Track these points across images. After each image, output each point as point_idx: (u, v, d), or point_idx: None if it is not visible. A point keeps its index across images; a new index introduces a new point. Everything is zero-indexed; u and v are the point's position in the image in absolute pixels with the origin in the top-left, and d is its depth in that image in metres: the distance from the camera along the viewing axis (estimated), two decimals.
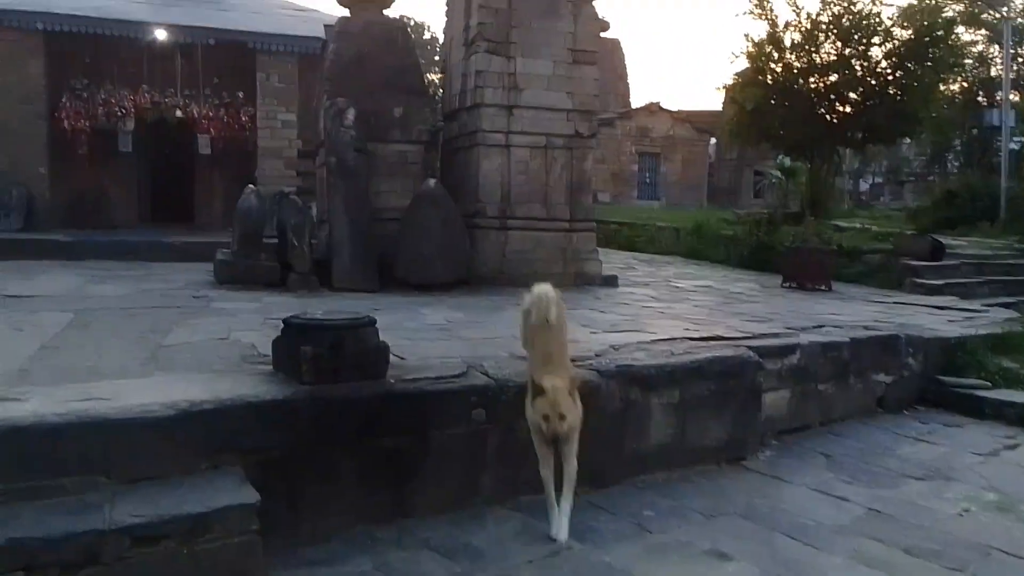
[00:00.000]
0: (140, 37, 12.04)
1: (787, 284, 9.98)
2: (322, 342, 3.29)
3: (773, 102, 16.13)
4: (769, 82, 16.27)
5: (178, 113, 12.56)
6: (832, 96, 16.07)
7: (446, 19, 9.88)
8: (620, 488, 3.80)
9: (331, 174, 8.18)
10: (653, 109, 32.57)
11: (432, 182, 8.14)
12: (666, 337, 4.90)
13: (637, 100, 34.86)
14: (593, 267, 8.96)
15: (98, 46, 12.20)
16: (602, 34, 32.78)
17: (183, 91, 12.64)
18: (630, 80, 35.95)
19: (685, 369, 4.21)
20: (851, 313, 7.23)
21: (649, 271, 11.33)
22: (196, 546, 2.57)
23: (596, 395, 3.74)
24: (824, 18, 15.82)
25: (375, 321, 3.54)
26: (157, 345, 4.34)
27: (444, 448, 3.38)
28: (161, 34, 12.02)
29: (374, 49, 8.65)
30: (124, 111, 12.23)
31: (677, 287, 9.28)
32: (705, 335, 5.07)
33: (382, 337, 3.51)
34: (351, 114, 8.24)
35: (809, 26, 15.85)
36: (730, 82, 18.46)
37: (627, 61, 37.52)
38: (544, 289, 3.42)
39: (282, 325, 3.51)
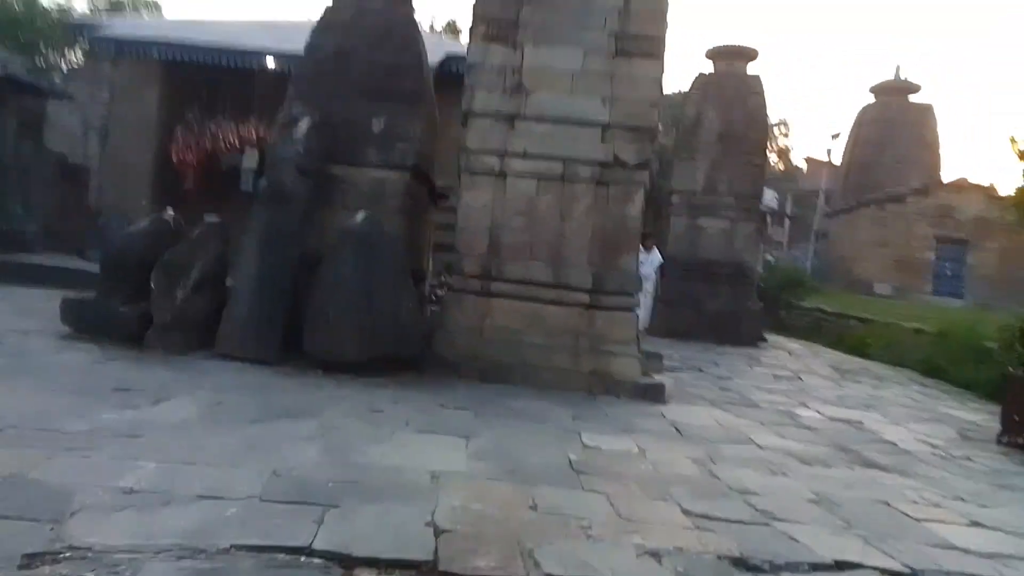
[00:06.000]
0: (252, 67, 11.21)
1: (1009, 439, 5.62)
2: None
3: None
4: None
5: None
6: None
7: None
8: None
9: (256, 200, 6.10)
10: (962, 185, 25.85)
11: (361, 216, 5.61)
12: None
13: (948, 176, 28.15)
14: (624, 367, 5.66)
15: (214, 78, 11.62)
16: (911, 98, 27.47)
17: None
18: (942, 152, 29.32)
19: None
20: None
21: (796, 388, 7.44)
22: None
23: None
24: None
25: None
26: None
27: None
28: (271, 62, 11.10)
29: (362, 44, 6.45)
30: (229, 145, 11.45)
31: (783, 423, 5.53)
32: None
33: None
34: (305, 124, 6.13)
35: None
36: None
37: (940, 130, 30.65)
38: None
39: None
